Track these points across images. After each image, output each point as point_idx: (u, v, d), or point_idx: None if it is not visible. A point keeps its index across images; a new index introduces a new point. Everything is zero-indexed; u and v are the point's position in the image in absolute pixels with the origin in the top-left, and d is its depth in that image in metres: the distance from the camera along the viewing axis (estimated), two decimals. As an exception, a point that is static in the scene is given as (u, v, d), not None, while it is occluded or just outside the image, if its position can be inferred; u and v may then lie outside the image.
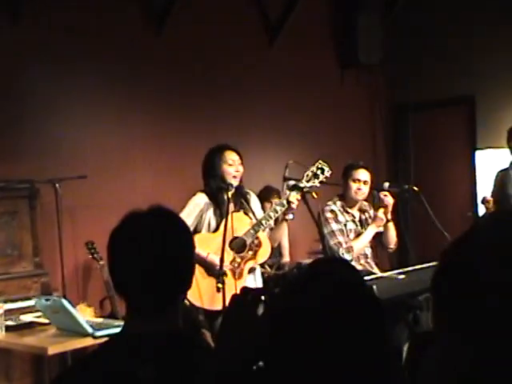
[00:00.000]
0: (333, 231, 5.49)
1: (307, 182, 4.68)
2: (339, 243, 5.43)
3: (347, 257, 5.35)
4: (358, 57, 8.18)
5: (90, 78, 6.29)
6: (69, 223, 5.87)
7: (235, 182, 4.83)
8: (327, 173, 4.72)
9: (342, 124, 8.42)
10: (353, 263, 5.42)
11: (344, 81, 8.54)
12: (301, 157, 5.86)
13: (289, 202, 4.65)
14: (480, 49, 8.06)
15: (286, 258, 7.13)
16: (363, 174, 5.59)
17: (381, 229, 5.58)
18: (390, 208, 5.47)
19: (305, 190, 4.64)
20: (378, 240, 5.72)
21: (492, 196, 6.71)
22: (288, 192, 4.75)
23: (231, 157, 4.84)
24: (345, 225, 5.58)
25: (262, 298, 1.77)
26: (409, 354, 2.44)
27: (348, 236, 5.54)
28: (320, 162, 4.75)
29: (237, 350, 1.66)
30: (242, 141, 6.84)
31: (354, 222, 5.65)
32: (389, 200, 5.45)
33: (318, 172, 4.70)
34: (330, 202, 5.65)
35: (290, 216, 4.75)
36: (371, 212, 5.73)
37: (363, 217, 5.72)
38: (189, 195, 5.05)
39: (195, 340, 2.04)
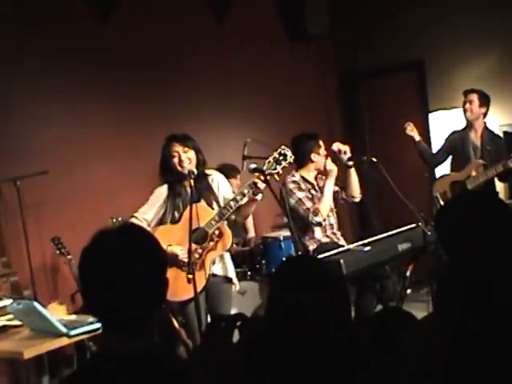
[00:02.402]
0: (300, 199, 5.71)
1: (269, 168, 4.54)
2: (307, 209, 5.65)
3: (317, 219, 5.60)
4: (307, 28, 8.18)
5: (42, 72, 6.20)
6: (33, 220, 5.85)
7: (185, 170, 4.76)
8: (290, 158, 4.57)
9: (296, 97, 8.43)
10: (320, 234, 5.75)
11: (294, 54, 8.55)
12: (258, 133, 5.91)
13: (255, 183, 4.54)
14: (428, 14, 8.12)
15: (252, 234, 7.23)
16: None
17: (336, 188, 5.79)
18: (346, 153, 5.59)
19: (267, 172, 4.54)
20: (341, 196, 5.90)
21: (437, 152, 6.84)
22: (251, 173, 4.67)
23: (174, 149, 4.78)
24: (309, 190, 5.79)
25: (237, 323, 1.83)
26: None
27: (314, 201, 5.71)
28: (283, 146, 4.62)
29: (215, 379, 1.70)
30: (198, 123, 6.88)
31: (314, 189, 5.85)
32: (340, 147, 5.60)
33: (281, 158, 4.55)
34: (288, 176, 5.79)
35: (259, 196, 4.63)
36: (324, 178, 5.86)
37: (321, 183, 5.86)
38: (147, 183, 5.04)
39: (170, 357, 2.09)
